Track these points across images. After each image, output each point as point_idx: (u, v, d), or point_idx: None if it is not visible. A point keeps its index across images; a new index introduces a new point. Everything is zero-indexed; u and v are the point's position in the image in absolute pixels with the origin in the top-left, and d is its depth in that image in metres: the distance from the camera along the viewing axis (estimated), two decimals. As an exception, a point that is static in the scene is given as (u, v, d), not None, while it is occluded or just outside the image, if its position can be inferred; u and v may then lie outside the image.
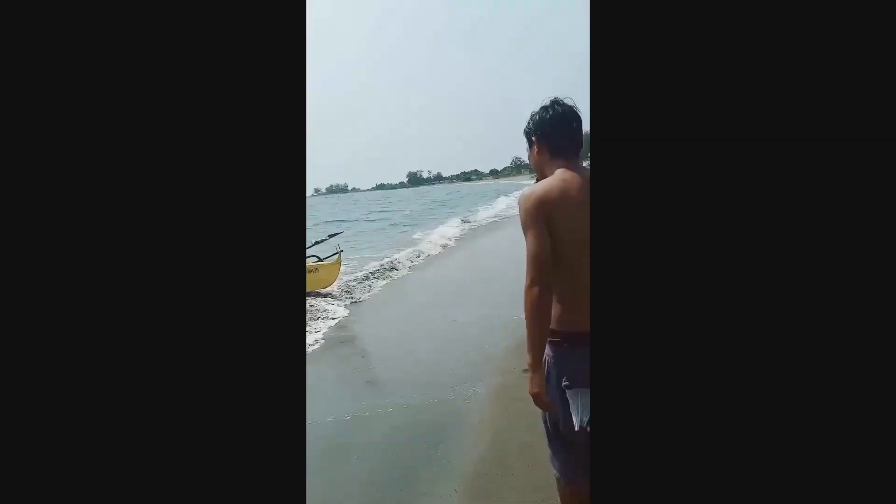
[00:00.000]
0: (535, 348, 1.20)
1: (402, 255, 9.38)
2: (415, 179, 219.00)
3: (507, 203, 20.58)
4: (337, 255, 6.77)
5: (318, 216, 29.23)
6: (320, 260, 6.91)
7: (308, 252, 6.95)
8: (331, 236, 7.06)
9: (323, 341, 4.47)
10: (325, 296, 6.34)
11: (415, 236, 12.90)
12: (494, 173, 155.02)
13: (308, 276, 6.54)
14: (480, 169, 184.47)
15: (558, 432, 1.28)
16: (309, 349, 4.21)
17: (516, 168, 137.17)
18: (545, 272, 1.18)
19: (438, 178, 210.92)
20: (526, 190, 1.30)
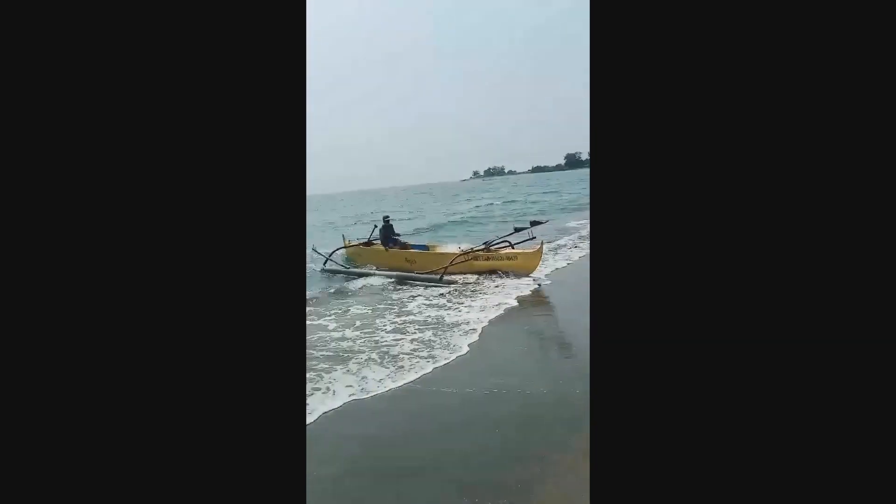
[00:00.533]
0: None
1: (567, 241, 9.60)
2: (573, 161, 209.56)
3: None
4: (539, 244, 6.68)
5: (474, 198, 29.42)
6: (512, 246, 7.00)
7: (499, 238, 7.15)
8: (532, 224, 6.94)
9: (493, 316, 4.90)
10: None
11: (573, 224, 12.80)
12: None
13: (502, 262, 6.77)
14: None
15: None
16: (484, 319, 4.78)
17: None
18: None
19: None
20: None
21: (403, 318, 5.04)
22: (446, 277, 6.61)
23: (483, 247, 7.17)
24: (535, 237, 6.91)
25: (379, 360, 3.78)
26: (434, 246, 8.34)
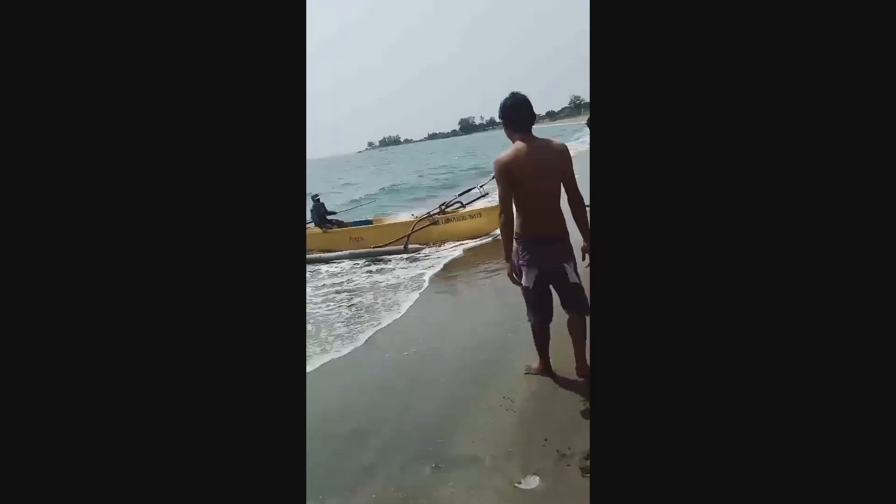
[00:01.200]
0: (506, 250, 2.19)
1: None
2: (467, 127, 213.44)
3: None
4: None
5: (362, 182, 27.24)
6: (463, 206, 6.53)
7: (453, 199, 6.71)
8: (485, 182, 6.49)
9: (427, 284, 4.71)
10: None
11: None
12: (552, 115, 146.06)
13: (465, 223, 6.24)
14: (536, 111, 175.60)
15: (527, 293, 2.21)
16: (422, 284, 4.65)
17: (575, 108, 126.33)
18: (508, 208, 2.10)
19: (491, 124, 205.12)
20: (497, 156, 2.09)
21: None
22: (411, 246, 6.08)
23: (439, 210, 6.62)
24: (487, 193, 6.61)
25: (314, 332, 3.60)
26: (380, 219, 7.74)
